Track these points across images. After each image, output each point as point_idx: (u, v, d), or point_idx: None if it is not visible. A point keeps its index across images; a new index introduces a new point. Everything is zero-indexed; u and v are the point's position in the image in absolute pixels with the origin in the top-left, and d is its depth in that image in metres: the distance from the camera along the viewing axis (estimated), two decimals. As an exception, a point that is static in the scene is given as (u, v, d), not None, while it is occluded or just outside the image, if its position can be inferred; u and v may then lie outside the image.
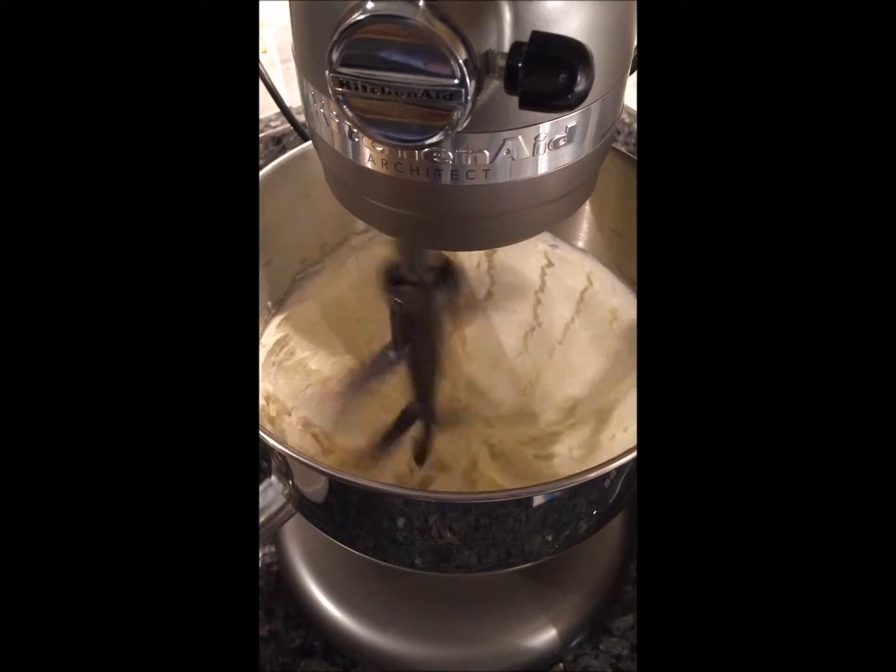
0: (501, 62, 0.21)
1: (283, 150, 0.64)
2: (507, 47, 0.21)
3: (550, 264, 0.51)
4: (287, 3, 0.26)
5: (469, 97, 0.21)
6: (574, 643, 0.48)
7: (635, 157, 0.42)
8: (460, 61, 0.20)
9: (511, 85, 0.21)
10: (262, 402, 0.44)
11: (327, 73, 0.21)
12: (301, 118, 0.38)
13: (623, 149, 0.43)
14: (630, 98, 0.29)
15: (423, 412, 0.42)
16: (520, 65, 0.20)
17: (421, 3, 0.19)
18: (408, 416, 0.42)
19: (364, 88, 0.21)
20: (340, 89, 0.22)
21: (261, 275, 0.45)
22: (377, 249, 0.50)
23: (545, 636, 0.47)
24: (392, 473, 0.42)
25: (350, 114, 0.22)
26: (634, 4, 0.25)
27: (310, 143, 0.42)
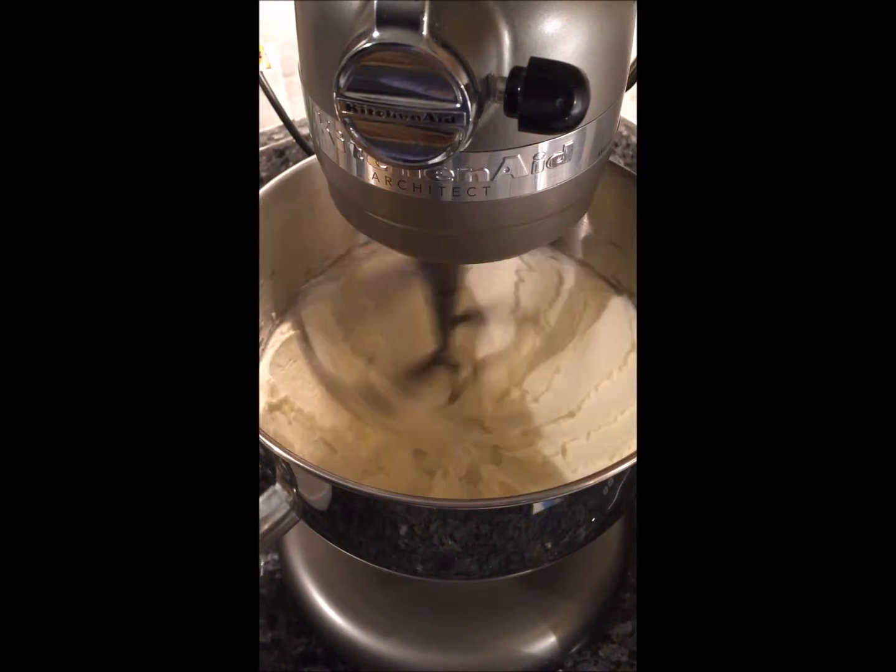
0: (501, 86, 0.22)
1: (286, 163, 0.64)
2: (506, 72, 0.22)
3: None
4: (291, 19, 0.27)
5: (470, 120, 0.22)
6: (574, 650, 0.48)
7: (632, 171, 0.43)
8: (462, 86, 0.21)
9: (510, 108, 0.22)
10: (263, 408, 0.44)
11: (334, 96, 0.22)
12: (304, 131, 0.38)
13: (621, 161, 0.44)
14: (627, 111, 0.30)
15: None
16: (519, 89, 0.21)
17: (424, 32, 0.20)
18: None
19: (370, 112, 0.22)
20: (347, 112, 0.22)
21: (265, 285, 0.45)
22: (380, 261, 0.51)
23: (545, 643, 0.47)
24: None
25: (356, 135, 0.23)
26: (629, 28, 0.26)
27: (314, 157, 0.42)
